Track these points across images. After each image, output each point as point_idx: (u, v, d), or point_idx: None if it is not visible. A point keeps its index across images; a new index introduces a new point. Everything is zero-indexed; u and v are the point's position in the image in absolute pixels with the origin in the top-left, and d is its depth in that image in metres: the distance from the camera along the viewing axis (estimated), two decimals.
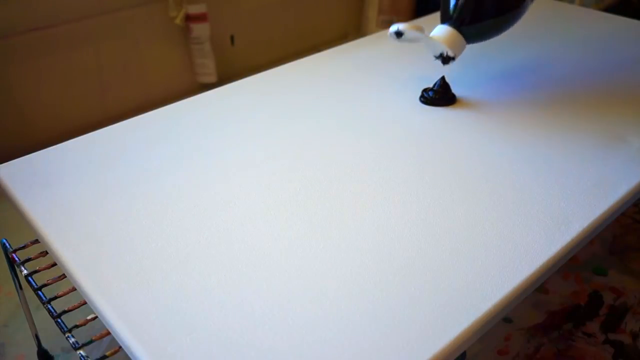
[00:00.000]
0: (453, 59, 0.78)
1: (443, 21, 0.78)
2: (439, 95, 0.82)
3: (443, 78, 0.82)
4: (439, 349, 0.46)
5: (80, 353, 0.55)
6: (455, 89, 0.85)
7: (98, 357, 0.53)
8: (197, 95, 0.85)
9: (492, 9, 0.76)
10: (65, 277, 0.60)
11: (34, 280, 0.65)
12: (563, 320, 0.95)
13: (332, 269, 0.54)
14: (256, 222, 0.60)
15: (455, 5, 0.76)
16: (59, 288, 0.64)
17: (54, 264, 0.64)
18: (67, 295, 0.61)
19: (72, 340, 0.57)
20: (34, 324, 0.83)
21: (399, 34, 0.74)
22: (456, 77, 0.89)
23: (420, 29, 0.74)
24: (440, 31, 0.76)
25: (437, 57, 0.80)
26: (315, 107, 0.82)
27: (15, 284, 0.75)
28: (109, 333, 0.52)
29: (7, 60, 1.25)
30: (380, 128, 0.77)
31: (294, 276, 0.53)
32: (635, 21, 1.10)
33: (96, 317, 0.54)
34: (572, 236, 0.58)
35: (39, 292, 0.63)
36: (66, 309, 0.60)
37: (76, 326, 0.59)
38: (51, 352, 0.89)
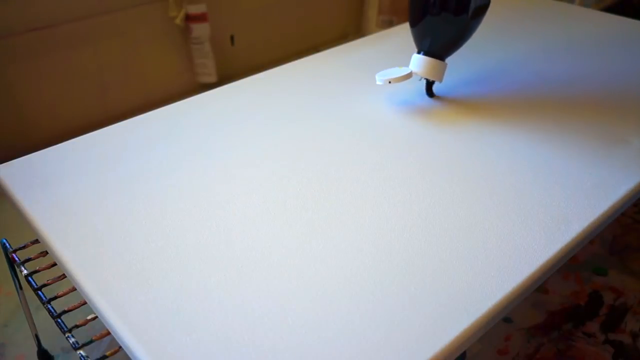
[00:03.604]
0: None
1: (418, 50, 0.80)
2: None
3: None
4: (439, 349, 0.46)
5: (80, 353, 0.55)
6: (457, 89, 0.85)
7: (98, 357, 0.54)
8: (197, 95, 0.85)
9: (451, 23, 0.77)
10: (65, 277, 0.60)
11: (34, 280, 0.65)
12: (563, 320, 0.95)
13: (332, 269, 0.54)
14: (256, 222, 0.60)
15: (421, 35, 0.79)
16: (59, 288, 0.64)
17: (54, 264, 0.64)
18: (67, 295, 0.61)
19: (72, 340, 0.57)
20: (34, 324, 0.83)
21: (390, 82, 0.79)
22: (458, 77, 0.89)
23: (408, 77, 0.78)
24: (419, 65, 0.79)
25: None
26: (315, 108, 0.81)
27: (15, 284, 0.75)
28: (109, 333, 0.52)
29: (7, 60, 1.25)
30: (381, 128, 0.77)
31: (294, 276, 0.53)
32: (635, 21, 1.10)
33: (96, 317, 0.54)
34: (572, 236, 0.58)
35: (39, 292, 0.63)
36: (66, 309, 0.60)
37: (76, 326, 0.59)
38: (51, 352, 0.88)
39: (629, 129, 0.76)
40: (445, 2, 0.75)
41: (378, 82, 0.79)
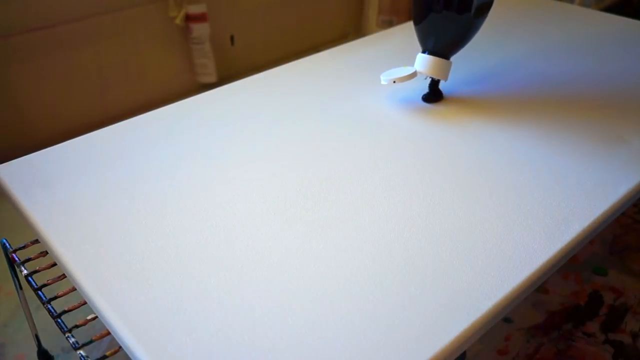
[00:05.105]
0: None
1: (423, 49, 0.81)
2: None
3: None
4: (439, 349, 0.46)
5: (80, 353, 0.55)
6: (457, 89, 0.85)
7: (98, 357, 0.54)
8: (197, 95, 0.85)
9: (455, 21, 0.77)
10: (65, 277, 0.60)
11: (34, 280, 0.65)
12: (563, 320, 0.95)
13: (332, 269, 0.54)
14: (256, 223, 0.60)
15: (425, 34, 0.79)
16: (59, 288, 0.64)
17: (54, 264, 0.64)
18: (67, 295, 0.62)
19: (72, 340, 0.57)
20: (34, 324, 0.83)
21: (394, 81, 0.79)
22: (458, 76, 0.89)
23: (413, 76, 0.79)
24: (424, 64, 0.79)
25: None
26: (315, 108, 0.82)
27: (15, 284, 0.75)
28: (109, 333, 0.52)
29: (7, 60, 1.25)
30: (381, 128, 0.77)
31: (294, 276, 0.53)
32: (635, 21, 1.10)
33: (96, 317, 0.54)
34: (572, 236, 0.58)
35: (39, 292, 0.63)
36: (66, 309, 0.60)
37: (76, 326, 0.59)
38: (51, 352, 0.89)
39: (628, 128, 0.76)
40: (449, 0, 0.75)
41: (383, 82, 0.79)
